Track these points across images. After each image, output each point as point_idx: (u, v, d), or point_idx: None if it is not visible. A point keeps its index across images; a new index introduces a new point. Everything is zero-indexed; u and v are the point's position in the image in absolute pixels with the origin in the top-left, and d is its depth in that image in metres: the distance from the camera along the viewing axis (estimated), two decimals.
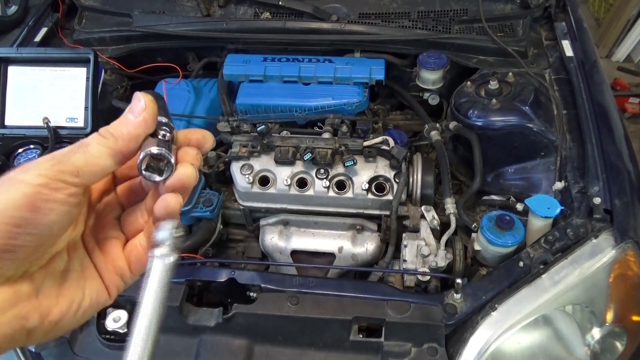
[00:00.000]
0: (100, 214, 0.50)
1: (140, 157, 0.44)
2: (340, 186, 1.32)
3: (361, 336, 1.06)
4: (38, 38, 1.71)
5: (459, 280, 1.04)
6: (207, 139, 0.50)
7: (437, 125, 1.45)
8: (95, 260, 0.49)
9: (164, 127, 0.45)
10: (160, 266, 0.43)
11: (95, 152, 0.42)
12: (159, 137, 0.45)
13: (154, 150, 0.43)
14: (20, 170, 0.39)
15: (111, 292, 0.49)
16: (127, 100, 1.64)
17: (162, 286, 0.42)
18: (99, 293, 0.48)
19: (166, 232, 0.43)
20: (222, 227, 1.42)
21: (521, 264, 1.08)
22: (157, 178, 0.45)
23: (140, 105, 0.44)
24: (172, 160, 0.44)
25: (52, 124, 1.38)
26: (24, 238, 0.39)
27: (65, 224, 0.42)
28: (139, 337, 0.40)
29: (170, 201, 0.45)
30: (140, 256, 0.49)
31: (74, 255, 0.46)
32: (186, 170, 0.46)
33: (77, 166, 0.40)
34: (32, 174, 0.39)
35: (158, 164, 0.44)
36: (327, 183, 1.29)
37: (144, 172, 0.44)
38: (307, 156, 1.27)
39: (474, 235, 1.20)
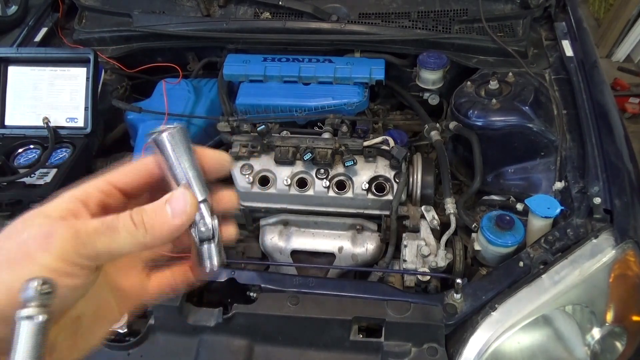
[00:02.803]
0: None
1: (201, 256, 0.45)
2: (340, 186, 1.32)
3: (361, 336, 1.06)
4: (38, 38, 1.72)
5: (459, 280, 1.04)
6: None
7: (437, 125, 1.44)
8: (117, 294, 0.46)
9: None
10: (29, 329, 0.35)
11: (122, 241, 0.40)
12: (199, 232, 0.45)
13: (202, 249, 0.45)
14: (40, 240, 0.37)
15: (123, 315, 0.47)
16: (127, 100, 1.64)
17: (35, 353, 0.35)
18: (111, 325, 0.46)
19: (31, 290, 0.35)
20: None
21: (521, 264, 1.08)
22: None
23: (182, 207, 0.41)
24: (217, 237, 0.46)
25: (52, 124, 1.38)
26: None
27: (79, 298, 0.40)
28: None
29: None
30: (168, 284, 0.48)
31: (88, 295, 0.42)
32: (230, 230, 0.48)
33: (98, 252, 0.39)
34: (51, 255, 0.36)
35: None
36: (327, 183, 1.29)
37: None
38: (307, 156, 1.27)
39: (474, 235, 1.20)
